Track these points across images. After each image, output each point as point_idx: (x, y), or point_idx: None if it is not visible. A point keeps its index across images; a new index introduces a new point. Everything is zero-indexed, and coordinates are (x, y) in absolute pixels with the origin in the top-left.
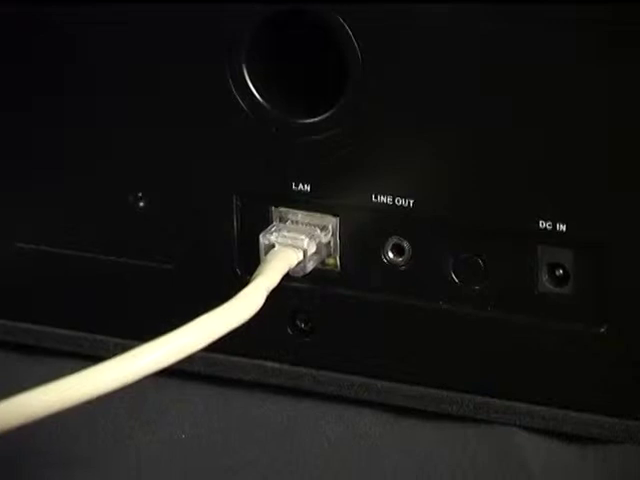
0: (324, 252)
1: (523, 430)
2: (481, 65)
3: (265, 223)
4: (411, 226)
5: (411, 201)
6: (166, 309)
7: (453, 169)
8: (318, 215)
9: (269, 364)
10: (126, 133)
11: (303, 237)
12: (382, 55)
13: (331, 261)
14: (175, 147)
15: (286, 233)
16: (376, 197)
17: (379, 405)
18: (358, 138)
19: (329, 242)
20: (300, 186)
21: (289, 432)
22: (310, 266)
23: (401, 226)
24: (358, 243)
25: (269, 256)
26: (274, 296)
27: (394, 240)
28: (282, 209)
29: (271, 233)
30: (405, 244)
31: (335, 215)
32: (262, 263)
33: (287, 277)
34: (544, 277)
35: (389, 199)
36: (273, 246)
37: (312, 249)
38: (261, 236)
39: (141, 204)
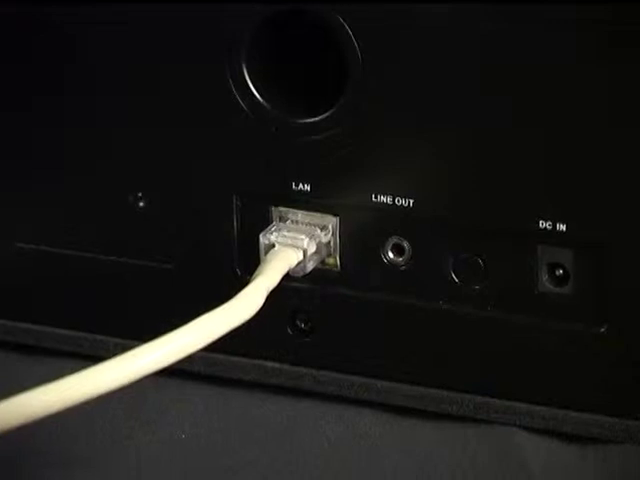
0: (324, 252)
1: (523, 430)
2: (481, 65)
3: (265, 223)
4: (411, 226)
5: (411, 201)
6: (166, 309)
7: (453, 169)
8: (318, 215)
9: (269, 364)
10: (126, 133)
11: (303, 237)
12: (382, 55)
13: (331, 261)
14: (175, 147)
15: (286, 233)
16: (376, 197)
17: (379, 405)
18: (358, 138)
19: (329, 242)
20: (300, 186)
21: (289, 432)
22: (310, 266)
23: (401, 226)
24: (358, 243)
25: (269, 256)
26: (274, 296)
27: (394, 240)
28: (282, 209)
29: (271, 233)
30: (405, 244)
31: (335, 215)
32: (262, 263)
33: (287, 277)
34: (544, 277)
35: (389, 199)
36: (273, 246)
37: (312, 249)
38: (261, 236)
39: (141, 204)
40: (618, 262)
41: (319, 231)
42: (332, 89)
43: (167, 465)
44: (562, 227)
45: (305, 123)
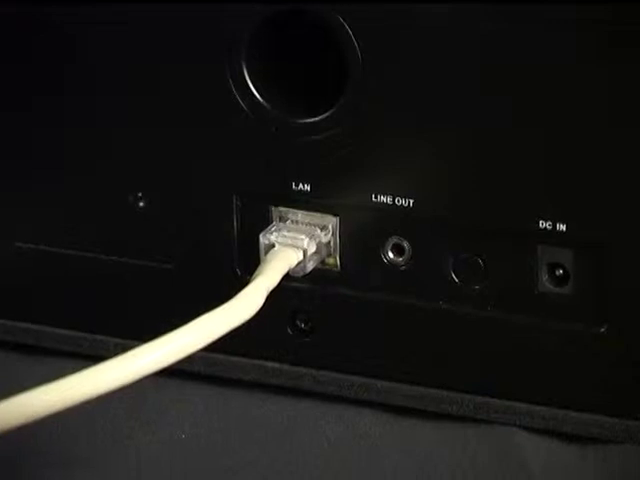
0: (324, 252)
1: (523, 430)
2: (481, 65)
3: (265, 223)
4: (411, 226)
5: (411, 201)
6: (166, 309)
7: (453, 169)
8: (318, 215)
9: (269, 364)
10: (126, 133)
11: (303, 237)
12: (382, 55)
13: (331, 261)
14: (175, 147)
15: (286, 233)
16: (376, 197)
17: (379, 405)
18: (358, 138)
19: (329, 242)
20: (300, 186)
21: (289, 432)
22: (310, 266)
23: (401, 226)
24: (358, 243)
25: (269, 256)
26: (274, 296)
27: (394, 240)
28: (282, 209)
29: (271, 233)
30: (405, 244)
31: (335, 215)
32: (262, 263)
33: (287, 277)
34: (544, 277)
35: (389, 199)
36: (273, 246)
37: (312, 249)
38: (261, 236)
39: (141, 204)
40: (618, 262)
41: (319, 231)
42: (332, 89)
43: (167, 465)
44: (562, 227)
45: (305, 123)
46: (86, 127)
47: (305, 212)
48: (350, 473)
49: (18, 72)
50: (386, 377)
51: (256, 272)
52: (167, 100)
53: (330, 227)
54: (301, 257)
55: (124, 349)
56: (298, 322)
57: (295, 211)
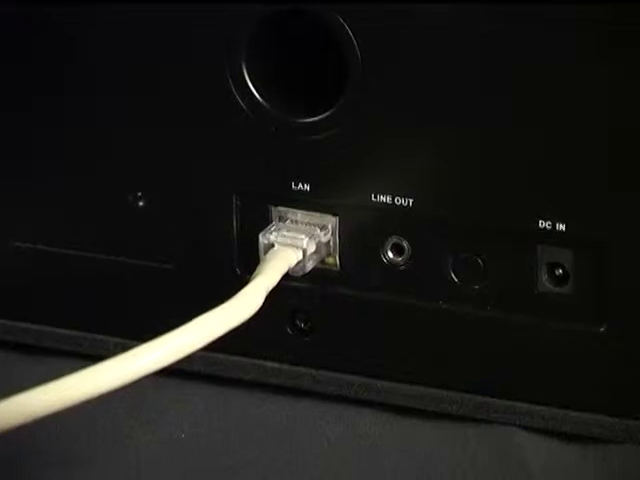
0: (324, 251)
1: (523, 430)
2: (481, 65)
3: (265, 222)
4: (411, 226)
5: (411, 201)
6: (166, 309)
7: (453, 169)
8: (318, 214)
9: (269, 364)
10: (126, 133)
11: (303, 236)
12: (382, 55)
13: (331, 261)
14: (175, 147)
15: (285, 232)
16: (376, 197)
17: (379, 405)
18: (358, 138)
19: (329, 241)
20: (300, 185)
21: (289, 432)
22: (310, 266)
23: (401, 226)
24: (358, 243)
25: (269, 255)
26: (274, 296)
27: (394, 240)
28: (282, 208)
29: (270, 232)
30: (405, 244)
31: (335, 214)
32: (262, 262)
33: (287, 277)
34: (544, 277)
35: (389, 199)
36: (272, 245)
37: (312, 248)
38: (261, 235)
39: (141, 204)
40: (618, 262)
41: (319, 231)
42: (332, 89)
43: (167, 465)
44: (562, 227)
45: (305, 123)
46: (86, 127)
47: (305, 212)
48: (350, 473)
49: (18, 72)
50: (386, 377)
51: (256, 272)
52: (167, 100)
53: (330, 227)
54: (300, 257)
55: (124, 349)
56: (298, 322)
57: (295, 211)
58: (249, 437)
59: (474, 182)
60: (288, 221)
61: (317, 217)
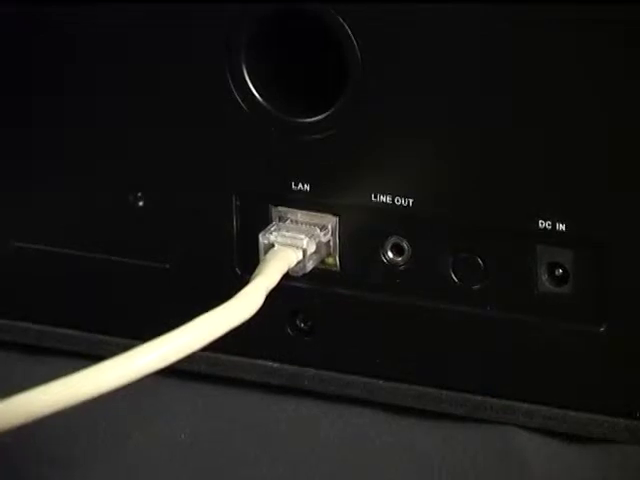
0: (323, 251)
1: (523, 430)
2: (481, 65)
3: (264, 222)
4: (411, 226)
5: (411, 201)
6: (166, 309)
7: (453, 169)
8: (318, 214)
9: (269, 364)
10: (126, 133)
11: (302, 236)
12: (382, 55)
13: (330, 261)
14: (175, 147)
15: (285, 232)
16: (376, 197)
17: (379, 405)
18: (358, 138)
19: (328, 241)
20: (300, 185)
21: (289, 432)
22: (310, 266)
23: (401, 226)
24: (358, 242)
25: (268, 255)
26: (274, 296)
27: (394, 240)
28: (281, 208)
29: (270, 232)
30: (405, 244)
31: (335, 214)
32: (261, 263)
33: (286, 277)
34: (544, 277)
35: (389, 199)
36: (272, 245)
37: (311, 248)
38: (260, 235)
39: (141, 204)
40: (618, 262)
41: (318, 231)
42: (332, 89)
43: (167, 465)
44: (562, 227)
45: (305, 123)
46: (86, 127)
47: (304, 212)
48: (350, 473)
49: (18, 72)
50: (386, 377)
51: (256, 272)
52: (167, 100)
53: (329, 227)
54: (300, 257)
55: (124, 349)
56: (298, 322)
57: (294, 211)
58: (249, 437)
59: (474, 182)
60: (288, 221)
61: (317, 217)
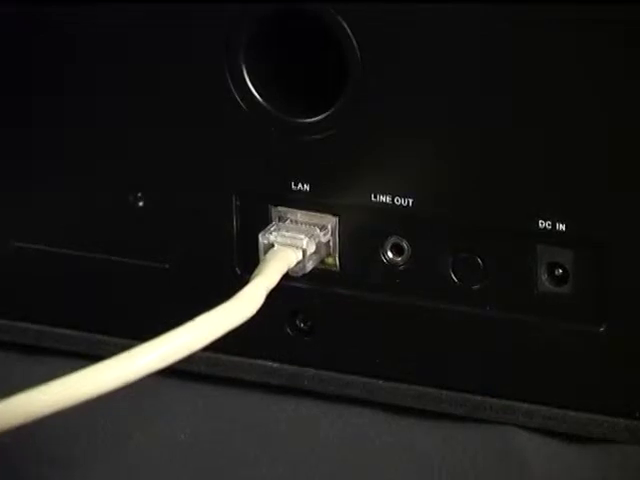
0: (323, 251)
1: (523, 430)
2: (481, 65)
3: (264, 222)
4: (410, 226)
5: (410, 200)
6: (166, 309)
7: (453, 169)
8: (317, 214)
9: (269, 364)
10: (126, 133)
11: (302, 237)
12: (382, 55)
13: (330, 261)
14: (175, 147)
15: (285, 233)
16: (375, 196)
17: (379, 405)
18: (358, 138)
19: (328, 241)
20: (299, 185)
21: (289, 432)
22: (309, 266)
23: (400, 226)
24: (357, 242)
25: (268, 255)
26: (273, 296)
27: (393, 240)
28: (281, 208)
29: (270, 233)
30: (404, 244)
31: (334, 214)
32: (261, 263)
33: (286, 277)
34: (544, 277)
35: (388, 198)
36: (272, 246)
37: (311, 249)
38: (260, 235)
39: (140, 204)
40: (618, 262)
41: (318, 231)
42: (332, 89)
43: (167, 465)
44: (562, 227)
45: (305, 123)
46: (86, 127)
47: (304, 212)
48: (350, 473)
49: (18, 72)
50: (386, 377)
51: (255, 272)
52: (167, 100)
53: (329, 227)
54: (300, 257)
55: (124, 349)
56: (298, 322)
57: (294, 211)
58: (249, 437)
59: (474, 182)
60: (288, 221)
61: (317, 217)
